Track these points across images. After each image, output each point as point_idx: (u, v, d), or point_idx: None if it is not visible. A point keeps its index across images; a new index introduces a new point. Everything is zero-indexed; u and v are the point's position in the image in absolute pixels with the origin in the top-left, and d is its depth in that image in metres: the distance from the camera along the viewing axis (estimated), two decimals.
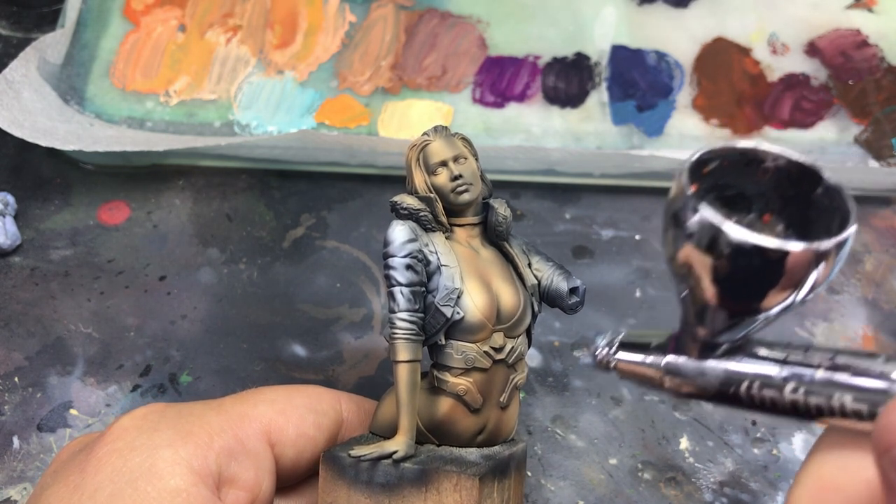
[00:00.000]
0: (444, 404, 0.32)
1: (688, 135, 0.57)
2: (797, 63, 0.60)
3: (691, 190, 0.24)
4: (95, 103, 0.56)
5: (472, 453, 0.33)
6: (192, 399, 0.45)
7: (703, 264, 0.24)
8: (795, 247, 0.23)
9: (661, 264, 0.52)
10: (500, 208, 0.34)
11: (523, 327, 0.34)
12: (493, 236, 0.35)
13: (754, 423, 0.46)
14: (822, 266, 0.23)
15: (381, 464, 0.31)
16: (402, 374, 0.31)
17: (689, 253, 0.24)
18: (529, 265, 0.35)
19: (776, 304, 0.24)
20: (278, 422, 0.33)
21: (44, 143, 0.50)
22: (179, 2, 0.61)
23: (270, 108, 0.57)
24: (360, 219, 0.54)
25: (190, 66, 0.58)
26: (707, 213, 0.23)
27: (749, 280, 0.24)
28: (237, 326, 0.49)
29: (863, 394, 0.24)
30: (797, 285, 0.24)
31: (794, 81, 0.59)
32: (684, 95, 0.58)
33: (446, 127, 0.35)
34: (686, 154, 0.26)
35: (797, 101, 0.58)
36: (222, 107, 0.57)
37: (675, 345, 0.28)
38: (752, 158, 0.26)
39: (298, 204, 0.54)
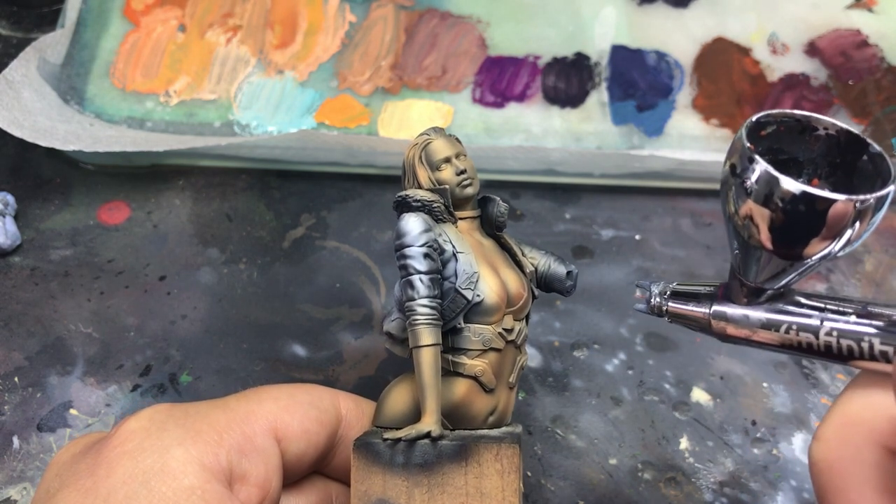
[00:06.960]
0: (461, 386, 0.33)
1: (688, 135, 0.56)
2: (797, 63, 0.60)
3: (749, 147, 0.27)
4: (95, 103, 0.56)
5: (493, 431, 0.34)
6: (192, 399, 0.45)
7: (760, 216, 0.27)
8: (839, 197, 0.26)
9: (661, 264, 0.52)
10: (500, 201, 0.36)
11: (527, 310, 0.35)
12: (494, 227, 0.36)
13: (754, 422, 0.46)
14: (858, 222, 0.26)
15: (417, 444, 0.31)
16: (427, 357, 0.32)
17: (750, 207, 0.27)
18: (523, 254, 0.37)
19: (817, 252, 0.27)
20: (283, 418, 0.34)
21: (44, 143, 0.50)
22: (179, 2, 0.61)
23: (270, 108, 0.57)
24: (360, 219, 0.54)
25: (190, 66, 0.58)
26: (764, 167, 0.26)
27: (796, 226, 0.27)
28: (237, 326, 0.49)
29: (889, 337, 0.27)
30: (836, 236, 0.27)
31: (794, 81, 0.59)
32: (684, 95, 0.58)
33: (442, 128, 0.36)
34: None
35: (797, 101, 0.58)
36: (222, 107, 0.57)
37: (722, 292, 0.31)
38: (806, 126, 0.29)
39: (298, 204, 0.54)
